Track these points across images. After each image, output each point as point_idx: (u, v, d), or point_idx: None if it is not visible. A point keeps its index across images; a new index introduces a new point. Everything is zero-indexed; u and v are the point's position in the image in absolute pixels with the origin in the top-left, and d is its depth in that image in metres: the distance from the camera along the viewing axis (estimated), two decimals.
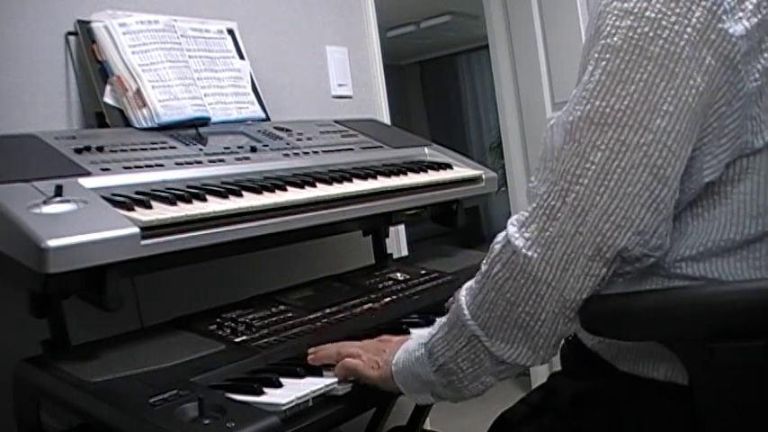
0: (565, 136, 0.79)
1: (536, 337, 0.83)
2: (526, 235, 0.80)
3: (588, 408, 0.92)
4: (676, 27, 0.75)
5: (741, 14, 0.76)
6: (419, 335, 0.96)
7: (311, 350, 1.05)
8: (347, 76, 2.08)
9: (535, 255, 0.79)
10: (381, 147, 1.62)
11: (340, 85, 2.05)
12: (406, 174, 1.46)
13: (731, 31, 0.75)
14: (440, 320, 0.92)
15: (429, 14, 5.46)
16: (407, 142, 1.72)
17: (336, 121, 1.72)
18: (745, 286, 0.81)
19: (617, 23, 0.78)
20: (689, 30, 0.75)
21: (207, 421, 0.84)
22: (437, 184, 1.49)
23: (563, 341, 1.06)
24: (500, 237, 0.85)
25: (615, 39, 0.77)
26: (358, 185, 1.32)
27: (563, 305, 0.80)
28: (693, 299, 0.79)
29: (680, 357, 0.81)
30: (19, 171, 1.03)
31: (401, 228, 2.16)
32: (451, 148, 1.74)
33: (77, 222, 0.94)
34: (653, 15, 0.76)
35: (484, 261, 0.86)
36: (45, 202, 0.95)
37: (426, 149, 1.71)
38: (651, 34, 0.76)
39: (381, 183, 1.37)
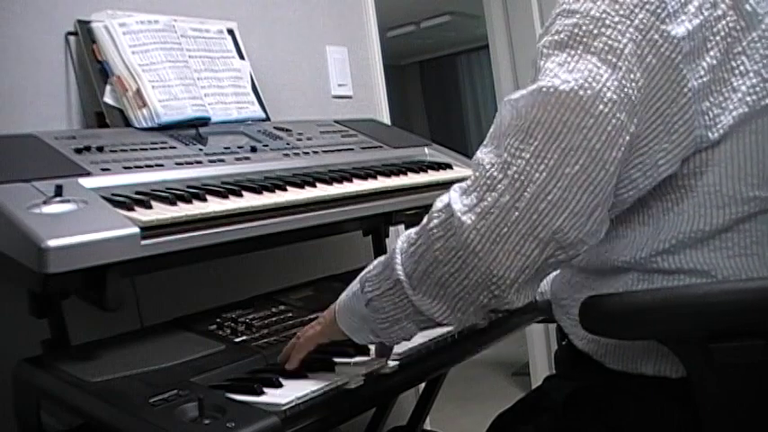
0: (512, 111, 0.81)
1: (455, 298, 0.83)
2: (465, 201, 0.81)
3: (581, 407, 0.93)
4: (619, 26, 0.78)
5: (684, 17, 0.80)
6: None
7: (279, 359, 1.03)
8: (347, 76, 2.08)
9: (468, 221, 0.79)
10: (381, 147, 1.62)
11: (340, 85, 2.05)
12: (405, 174, 1.46)
13: (673, 33, 0.78)
14: (380, 258, 0.92)
15: (429, 14, 5.45)
16: (407, 142, 1.72)
17: (336, 121, 1.72)
18: (745, 285, 0.81)
19: (564, 22, 0.81)
20: (631, 30, 0.78)
21: (207, 421, 0.84)
22: (437, 184, 1.48)
23: (556, 345, 1.06)
24: (443, 196, 0.85)
25: (562, 35, 0.81)
26: (358, 185, 1.32)
27: (487, 278, 0.80)
28: (694, 298, 0.79)
29: (679, 357, 0.81)
30: (19, 171, 1.03)
31: (401, 228, 2.15)
32: (451, 148, 1.74)
33: (77, 222, 0.93)
34: (597, 15, 0.79)
35: (427, 215, 0.86)
36: (45, 202, 0.95)
37: (426, 149, 1.71)
38: (595, 31, 0.79)
39: (381, 183, 1.37)
